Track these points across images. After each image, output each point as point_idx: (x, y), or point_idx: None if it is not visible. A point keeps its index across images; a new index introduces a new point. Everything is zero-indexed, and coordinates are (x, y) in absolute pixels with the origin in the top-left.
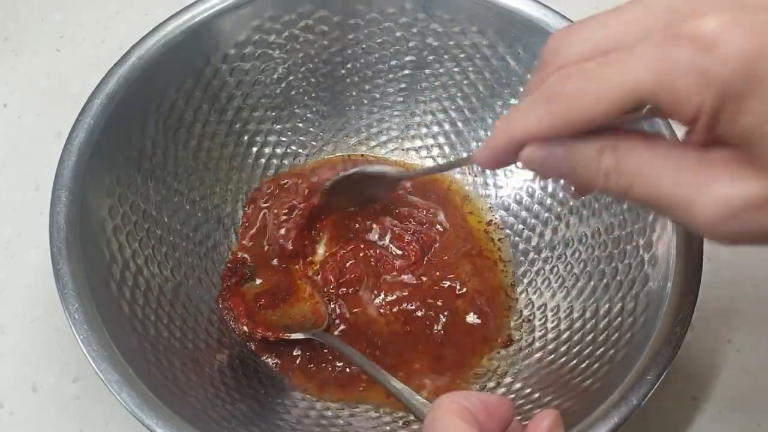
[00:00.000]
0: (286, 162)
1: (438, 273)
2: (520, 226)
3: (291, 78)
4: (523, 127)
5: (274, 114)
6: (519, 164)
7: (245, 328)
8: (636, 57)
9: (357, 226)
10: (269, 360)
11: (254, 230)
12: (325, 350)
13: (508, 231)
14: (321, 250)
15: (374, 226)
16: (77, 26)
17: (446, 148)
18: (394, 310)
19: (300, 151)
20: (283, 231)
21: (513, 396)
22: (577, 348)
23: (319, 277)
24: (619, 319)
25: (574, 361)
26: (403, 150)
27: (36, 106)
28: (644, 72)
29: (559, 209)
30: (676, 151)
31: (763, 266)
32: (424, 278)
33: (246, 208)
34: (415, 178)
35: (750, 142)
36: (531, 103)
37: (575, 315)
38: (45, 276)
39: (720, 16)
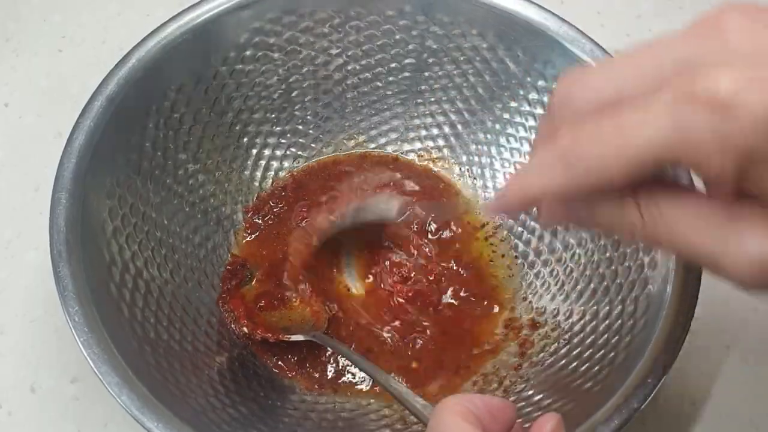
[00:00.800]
0: (285, 164)
1: (437, 275)
2: (520, 229)
3: (291, 80)
4: (538, 187)
5: (273, 116)
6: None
7: (245, 329)
8: (652, 118)
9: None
10: (269, 362)
11: (257, 238)
12: (325, 352)
13: (507, 233)
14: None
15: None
16: (78, 27)
17: (445, 151)
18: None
19: (299, 153)
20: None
21: (514, 398)
22: (577, 351)
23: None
24: (619, 321)
25: (575, 364)
26: (402, 153)
27: (36, 107)
28: (663, 136)
29: None
30: (703, 204)
31: None
32: (423, 279)
33: (247, 215)
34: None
35: None
36: (545, 162)
37: (575, 318)
38: (45, 276)
39: (732, 74)
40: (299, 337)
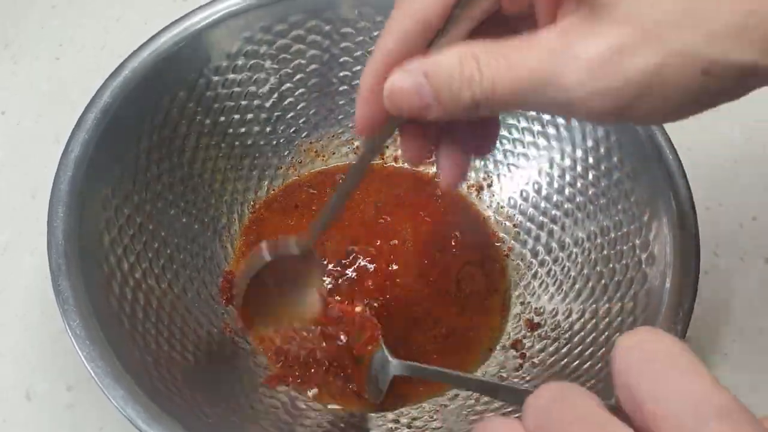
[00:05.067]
0: (279, 172)
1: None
2: (516, 230)
3: (283, 88)
4: (379, 48)
5: (266, 124)
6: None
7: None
8: None
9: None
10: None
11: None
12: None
13: (503, 235)
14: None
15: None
16: (77, 33)
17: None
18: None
19: (293, 160)
20: None
21: None
22: (578, 349)
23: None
24: (619, 319)
25: (576, 363)
26: (393, 159)
27: (35, 112)
28: None
29: (554, 212)
30: (529, 36)
31: (757, 279)
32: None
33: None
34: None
35: None
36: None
37: (574, 317)
38: (41, 281)
39: None
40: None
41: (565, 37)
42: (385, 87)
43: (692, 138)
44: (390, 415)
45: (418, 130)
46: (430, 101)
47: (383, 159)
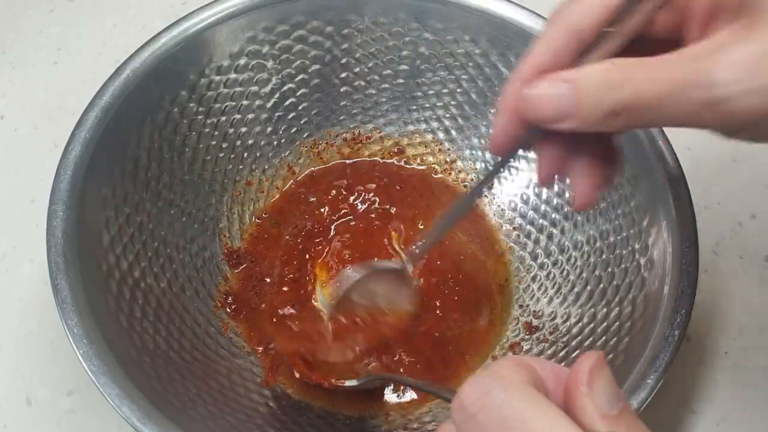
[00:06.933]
0: (280, 173)
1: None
2: (516, 233)
3: (284, 88)
4: (528, 60)
5: (268, 124)
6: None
7: (297, 374)
8: None
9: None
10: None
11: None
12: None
13: (503, 238)
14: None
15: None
16: (75, 39)
17: (440, 157)
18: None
19: (294, 161)
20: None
21: None
22: (575, 354)
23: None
24: (617, 323)
25: None
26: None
27: (33, 119)
28: None
29: (554, 215)
30: (676, 51)
31: (757, 278)
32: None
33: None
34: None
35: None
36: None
37: (572, 320)
38: (40, 289)
39: None
40: (353, 383)
41: (718, 43)
42: (523, 92)
43: (691, 137)
44: (384, 417)
45: (553, 149)
46: (569, 108)
47: (391, 156)
